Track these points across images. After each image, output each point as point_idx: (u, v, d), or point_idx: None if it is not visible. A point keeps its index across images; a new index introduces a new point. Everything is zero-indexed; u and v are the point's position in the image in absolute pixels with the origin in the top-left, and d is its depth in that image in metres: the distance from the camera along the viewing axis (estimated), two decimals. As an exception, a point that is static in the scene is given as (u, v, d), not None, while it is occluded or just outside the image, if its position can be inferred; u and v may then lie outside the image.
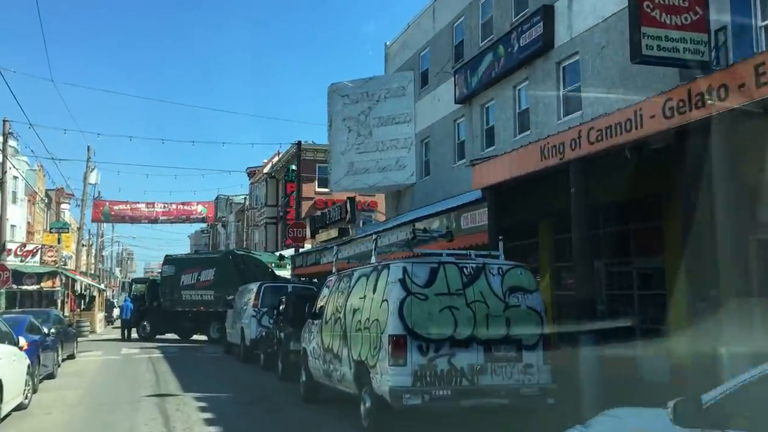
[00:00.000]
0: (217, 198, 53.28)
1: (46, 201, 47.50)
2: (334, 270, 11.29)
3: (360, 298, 9.48)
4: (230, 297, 28.63)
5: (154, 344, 28.01)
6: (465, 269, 8.60)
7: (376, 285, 9.02)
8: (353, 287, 9.97)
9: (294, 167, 43.28)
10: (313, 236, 23.62)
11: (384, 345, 8.28)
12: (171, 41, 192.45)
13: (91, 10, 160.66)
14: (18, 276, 34.98)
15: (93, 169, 47.50)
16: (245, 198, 53.72)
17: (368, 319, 8.97)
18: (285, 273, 28.91)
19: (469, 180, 20.27)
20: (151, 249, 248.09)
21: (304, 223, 27.68)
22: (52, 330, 15.96)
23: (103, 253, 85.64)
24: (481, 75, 19.22)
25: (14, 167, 39.92)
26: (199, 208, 41.84)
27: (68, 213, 67.21)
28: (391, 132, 25.12)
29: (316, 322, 11.47)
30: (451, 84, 21.70)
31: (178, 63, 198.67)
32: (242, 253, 30.52)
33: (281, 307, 16.73)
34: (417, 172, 24.26)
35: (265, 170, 51.28)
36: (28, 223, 51.16)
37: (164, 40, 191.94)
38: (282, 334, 15.55)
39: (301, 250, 26.14)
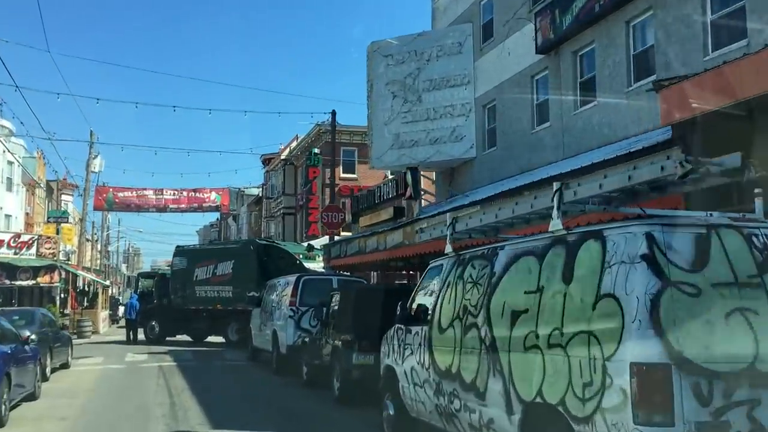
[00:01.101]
0: (228, 189, 49.25)
1: (44, 188, 43.71)
2: (448, 249, 7.33)
3: (527, 292, 5.52)
4: (251, 293, 24.82)
5: (164, 348, 24.16)
6: (756, 239, 4.63)
7: (572, 268, 5.06)
8: (503, 275, 6.02)
9: (317, 150, 39.55)
10: (354, 220, 19.76)
11: (619, 382, 4.33)
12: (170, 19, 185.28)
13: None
14: (11, 270, 31.24)
15: (96, 156, 43.65)
16: (263, 186, 49.82)
17: (557, 329, 5.00)
18: (314, 265, 25.02)
19: (557, 147, 16.36)
20: (160, 242, 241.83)
21: (340, 206, 23.75)
22: (32, 336, 12.07)
23: (109, 249, 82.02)
24: (577, 13, 15.22)
25: (8, 150, 36.18)
26: (213, 195, 37.77)
27: (71, 205, 63.59)
28: (444, 97, 21.14)
29: (415, 329, 7.54)
30: (524, 34, 17.74)
31: (180, 42, 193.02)
32: (265, 242, 26.58)
33: (334, 306, 12.81)
34: (478, 144, 20.28)
35: (282, 156, 47.41)
36: (27, 214, 47.43)
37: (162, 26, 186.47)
38: (338, 343, 11.62)
39: (336, 237, 22.24)
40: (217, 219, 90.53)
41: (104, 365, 18.53)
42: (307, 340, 14.01)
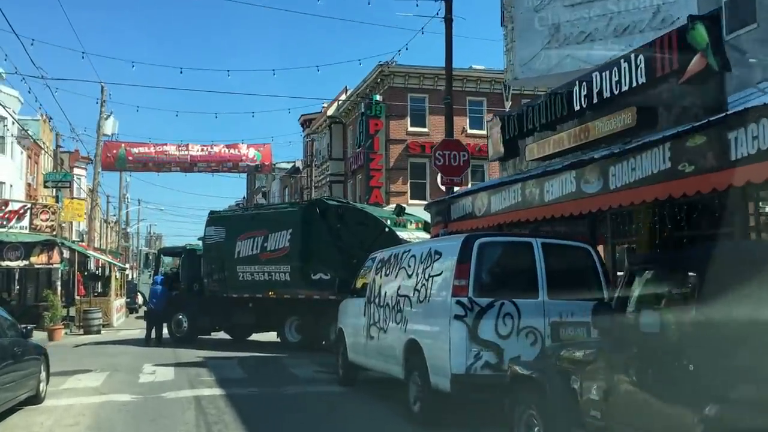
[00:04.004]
0: (270, 145, 41.10)
1: (50, 153, 36.48)
2: None
3: None
4: (317, 275, 17.43)
5: (196, 354, 16.79)
6: None
7: None
8: None
9: (379, 97, 31.78)
10: (509, 154, 12.21)
11: None
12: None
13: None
14: (-5, 246, 24.07)
15: (109, 116, 36.24)
16: (310, 142, 42.10)
17: None
18: (407, 234, 17.43)
19: None
20: (182, 222, 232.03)
21: (458, 141, 15.93)
22: None
23: (128, 230, 75.09)
24: None
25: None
26: (251, 152, 29.97)
27: (84, 181, 56.59)
28: (639, -40, 13.30)
29: None
30: None
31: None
32: (336, 203, 18.97)
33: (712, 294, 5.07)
34: (704, 29, 12.39)
35: (329, 113, 39.69)
36: (29, 185, 40.35)
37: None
38: None
39: (456, 190, 14.57)
40: (244, 197, 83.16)
41: (103, 393, 11.05)
42: (531, 374, 6.29)
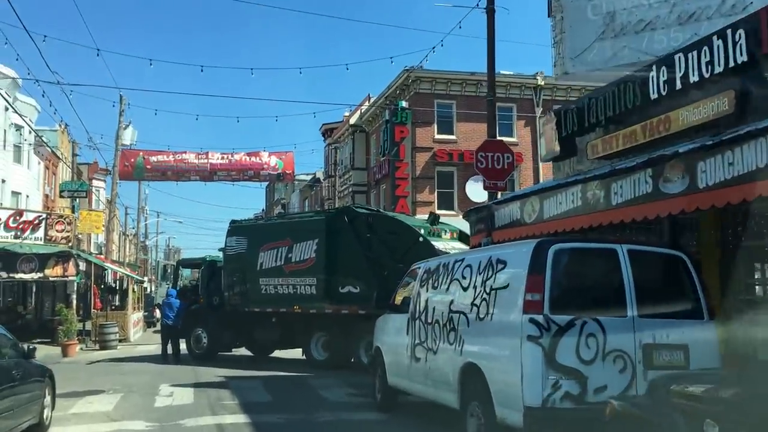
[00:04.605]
0: (292, 154, 39.88)
1: (68, 164, 35.74)
2: None
3: None
4: (345, 288, 16.30)
5: (217, 373, 15.63)
6: None
7: None
8: None
9: (405, 104, 30.66)
10: (565, 151, 11.00)
11: None
12: None
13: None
14: (10, 259, 23.14)
15: (127, 125, 35.48)
16: (334, 148, 40.98)
17: None
18: (442, 244, 16.19)
19: None
20: (201, 235, 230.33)
21: (501, 142, 14.74)
22: None
23: (146, 242, 74.48)
24: None
25: (11, 107, 28.06)
26: (273, 160, 28.92)
27: (103, 193, 55.99)
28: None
29: None
30: None
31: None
32: (366, 211, 17.79)
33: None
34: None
35: (352, 121, 38.66)
36: (46, 196, 39.66)
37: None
38: None
39: (500, 195, 13.35)
40: (263, 209, 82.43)
41: (115, 420, 9.89)
42: (641, 413, 5.04)
